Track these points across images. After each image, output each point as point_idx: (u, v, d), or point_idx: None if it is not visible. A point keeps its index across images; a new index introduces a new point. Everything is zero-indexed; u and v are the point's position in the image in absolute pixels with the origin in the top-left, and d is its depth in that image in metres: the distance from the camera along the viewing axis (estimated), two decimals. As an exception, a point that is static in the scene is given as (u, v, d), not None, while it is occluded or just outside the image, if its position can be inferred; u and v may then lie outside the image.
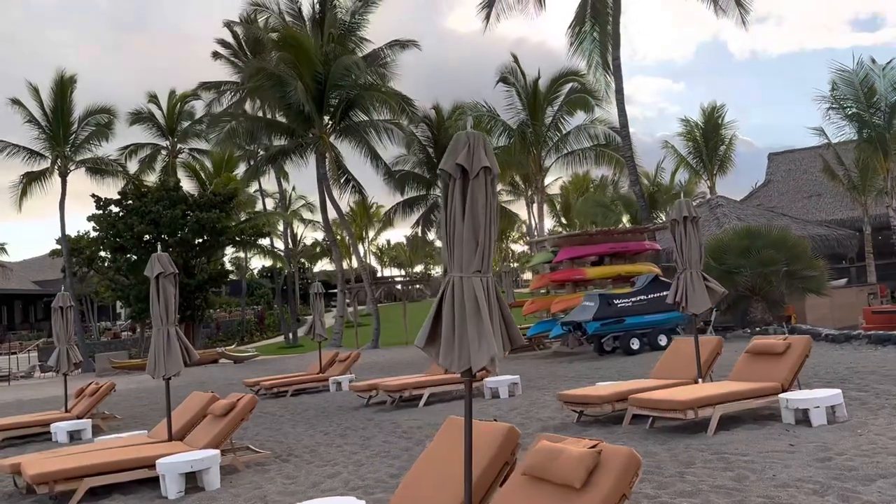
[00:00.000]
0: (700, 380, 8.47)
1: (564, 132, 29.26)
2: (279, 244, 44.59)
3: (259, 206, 42.19)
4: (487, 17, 25.39)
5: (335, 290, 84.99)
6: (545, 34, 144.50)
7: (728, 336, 18.90)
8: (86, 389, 12.57)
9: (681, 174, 38.44)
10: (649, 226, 21.66)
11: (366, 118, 27.63)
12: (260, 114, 32.11)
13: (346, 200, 29.25)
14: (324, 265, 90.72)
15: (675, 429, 7.68)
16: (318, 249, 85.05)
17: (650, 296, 17.59)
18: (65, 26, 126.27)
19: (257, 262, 64.17)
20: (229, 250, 40.13)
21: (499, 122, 29.67)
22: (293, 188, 52.87)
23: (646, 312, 17.30)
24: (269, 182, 41.70)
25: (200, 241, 32.15)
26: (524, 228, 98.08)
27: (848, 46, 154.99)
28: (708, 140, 35.77)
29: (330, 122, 27.52)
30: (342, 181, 28.36)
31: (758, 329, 18.71)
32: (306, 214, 59.67)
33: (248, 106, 33.18)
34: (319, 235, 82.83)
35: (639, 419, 8.04)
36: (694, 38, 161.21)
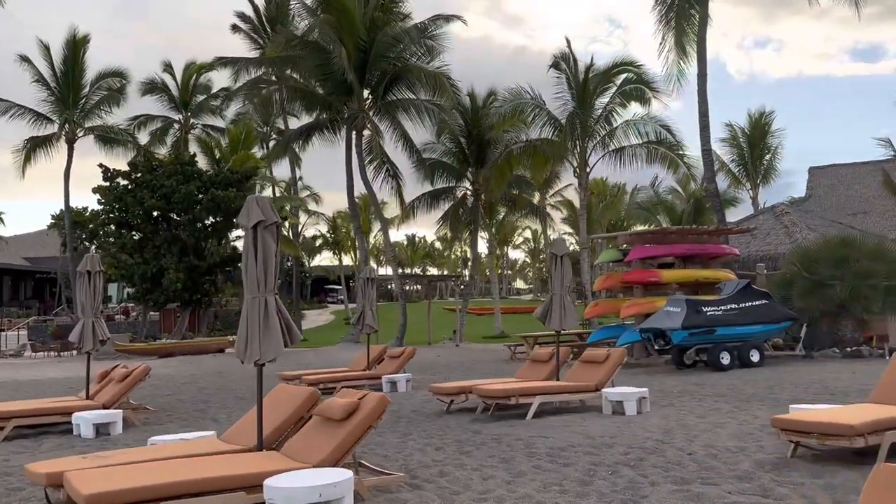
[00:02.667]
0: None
1: (614, 126, 27.17)
2: (284, 232, 42.30)
3: (268, 192, 39.91)
4: None
5: (332, 287, 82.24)
6: (545, 44, 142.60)
7: (815, 356, 16.98)
8: (112, 373, 10.39)
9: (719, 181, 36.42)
10: (732, 226, 19.64)
11: (410, 95, 25.40)
12: (283, 90, 29.82)
13: (377, 185, 26.92)
14: (321, 260, 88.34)
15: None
16: (318, 243, 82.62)
17: (741, 305, 15.62)
18: (63, 12, 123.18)
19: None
20: (234, 235, 37.96)
21: (543, 111, 27.62)
22: (300, 178, 50.52)
23: (738, 323, 15.31)
24: (277, 169, 39.54)
25: (212, 221, 29.91)
26: (528, 234, 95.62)
27: (846, 76, 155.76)
28: (753, 147, 33.99)
29: (370, 97, 25.31)
30: (377, 164, 26.11)
31: (849, 349, 16.81)
32: (311, 206, 57.36)
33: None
34: (322, 228, 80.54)
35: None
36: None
